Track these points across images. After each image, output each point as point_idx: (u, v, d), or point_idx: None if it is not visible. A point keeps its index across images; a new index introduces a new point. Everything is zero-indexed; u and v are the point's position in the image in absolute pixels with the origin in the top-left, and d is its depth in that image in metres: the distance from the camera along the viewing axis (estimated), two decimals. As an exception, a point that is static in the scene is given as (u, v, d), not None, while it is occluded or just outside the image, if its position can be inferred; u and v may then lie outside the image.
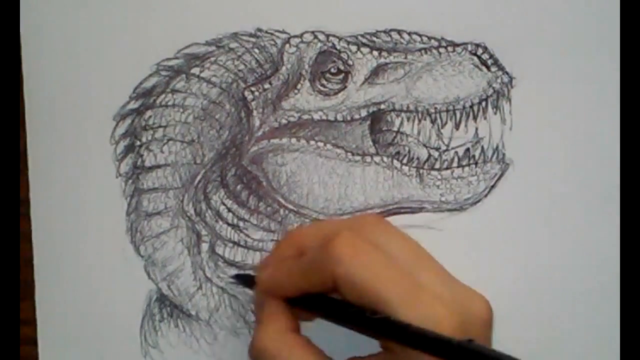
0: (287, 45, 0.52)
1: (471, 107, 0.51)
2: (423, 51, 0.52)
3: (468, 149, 0.52)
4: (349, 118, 0.52)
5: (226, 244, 0.53)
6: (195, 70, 0.52)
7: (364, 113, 0.52)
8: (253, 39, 0.52)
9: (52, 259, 0.53)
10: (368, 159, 0.52)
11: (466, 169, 0.52)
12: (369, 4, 0.52)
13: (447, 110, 0.51)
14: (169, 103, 0.53)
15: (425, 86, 0.52)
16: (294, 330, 0.45)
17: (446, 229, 0.52)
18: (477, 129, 0.52)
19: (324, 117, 0.52)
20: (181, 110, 0.53)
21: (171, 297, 0.53)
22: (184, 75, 0.53)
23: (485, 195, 0.52)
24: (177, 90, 0.53)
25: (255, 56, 0.52)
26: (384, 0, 0.52)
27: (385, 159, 0.52)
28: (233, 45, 0.52)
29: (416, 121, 0.52)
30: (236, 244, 0.53)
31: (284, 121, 0.52)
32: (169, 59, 0.52)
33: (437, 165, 0.52)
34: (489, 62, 0.52)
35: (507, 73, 0.52)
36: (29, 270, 0.53)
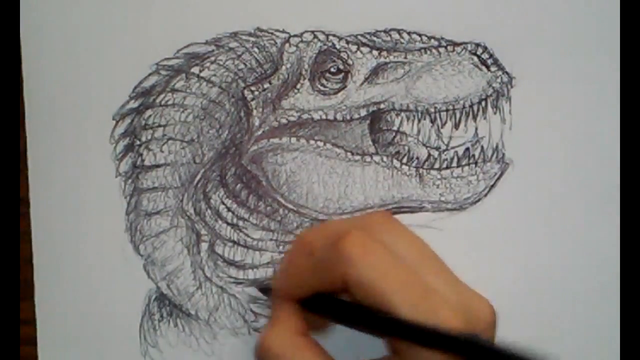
0: (287, 45, 0.52)
1: (471, 106, 0.51)
2: (423, 51, 0.52)
3: (468, 149, 0.52)
4: (348, 117, 0.52)
5: (226, 243, 0.53)
6: (195, 70, 0.52)
7: (363, 112, 0.52)
8: (253, 39, 0.52)
9: (52, 258, 0.53)
10: (368, 158, 0.52)
11: (466, 168, 0.52)
12: (369, 4, 0.52)
13: (447, 110, 0.51)
14: (169, 102, 0.53)
15: (425, 86, 0.52)
16: (302, 334, 0.45)
17: (446, 229, 0.52)
18: (476, 128, 0.52)
19: (324, 117, 0.52)
20: (181, 109, 0.53)
21: (170, 296, 0.53)
22: (183, 75, 0.53)
23: (485, 195, 0.52)
24: (176, 89, 0.53)
25: (255, 56, 0.52)
26: (384, 0, 0.52)
27: (385, 158, 0.52)
28: (233, 44, 0.52)
29: (416, 121, 0.52)
30: (236, 243, 0.53)
31: (283, 120, 0.52)
32: (168, 59, 0.53)
33: (436, 165, 0.52)
34: (489, 61, 0.52)
35: (507, 73, 0.52)
36: (28, 270, 0.53)
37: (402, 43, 0.52)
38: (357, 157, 0.52)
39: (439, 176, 0.52)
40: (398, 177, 0.52)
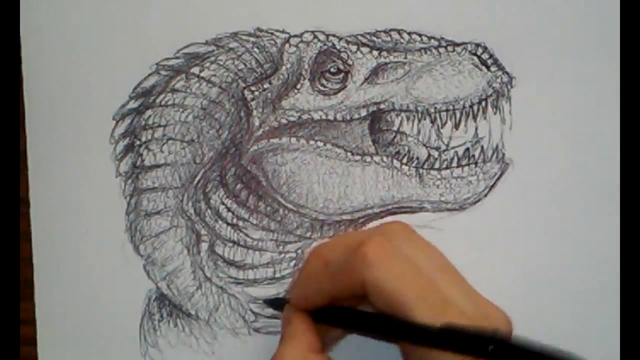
0: (287, 45, 0.52)
1: (471, 106, 0.51)
2: (423, 51, 0.52)
3: (468, 149, 0.52)
4: (348, 118, 0.52)
5: (226, 243, 0.53)
6: (195, 70, 0.52)
7: (363, 113, 0.52)
8: (253, 39, 0.52)
9: (52, 258, 0.53)
10: (368, 158, 0.52)
11: (466, 168, 0.52)
12: (369, 4, 0.52)
13: (447, 110, 0.51)
14: (169, 102, 0.53)
15: (425, 86, 0.52)
16: (317, 349, 0.45)
17: (446, 229, 0.52)
18: (476, 128, 0.52)
19: (324, 117, 0.52)
20: (181, 109, 0.53)
21: (170, 296, 0.53)
22: (183, 75, 0.53)
23: (485, 195, 0.52)
24: (176, 89, 0.53)
25: (255, 56, 0.52)
26: (384, 0, 0.52)
27: (385, 158, 0.52)
28: (233, 44, 0.52)
29: (416, 121, 0.52)
30: (236, 243, 0.53)
31: (283, 121, 0.52)
32: (168, 59, 0.53)
33: (436, 165, 0.52)
34: (489, 62, 0.52)
35: (507, 73, 0.52)
36: (28, 270, 0.53)
37: (402, 43, 0.52)
38: (357, 157, 0.52)
39: (439, 176, 0.52)
40: (398, 177, 0.52)
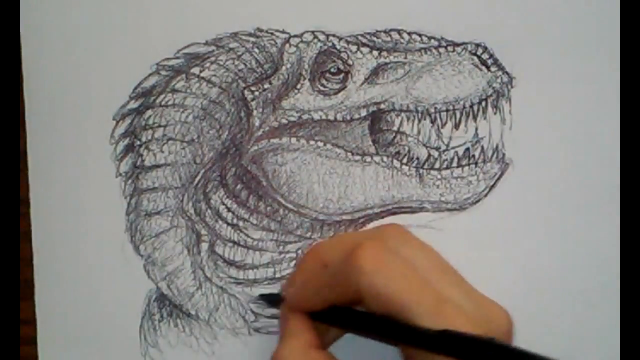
0: (287, 45, 0.52)
1: (471, 107, 0.51)
2: (423, 51, 0.52)
3: (468, 149, 0.52)
4: (348, 118, 0.52)
5: (226, 243, 0.53)
6: (195, 70, 0.52)
7: (363, 113, 0.52)
8: (253, 39, 0.52)
9: (52, 258, 0.53)
10: (368, 158, 0.52)
11: (466, 168, 0.52)
12: (369, 4, 0.52)
13: (447, 110, 0.51)
14: (169, 103, 0.53)
15: (425, 86, 0.52)
16: (317, 346, 0.45)
17: (446, 229, 0.52)
18: (476, 128, 0.52)
19: (324, 117, 0.52)
20: (181, 109, 0.53)
21: (171, 296, 0.53)
22: (183, 75, 0.53)
23: (485, 195, 0.52)
24: (177, 89, 0.53)
25: (255, 56, 0.52)
26: (384, 0, 0.52)
27: (385, 158, 0.52)
28: (233, 45, 0.52)
29: (416, 121, 0.52)
30: (236, 243, 0.53)
31: (283, 121, 0.52)
32: (168, 59, 0.53)
33: (436, 165, 0.52)
34: (489, 62, 0.52)
35: (507, 73, 0.52)
36: (28, 270, 0.53)
37: (402, 43, 0.52)
38: (357, 157, 0.52)
39: (439, 176, 0.52)
40: (398, 177, 0.52)
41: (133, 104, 0.53)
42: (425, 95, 0.52)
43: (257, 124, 0.52)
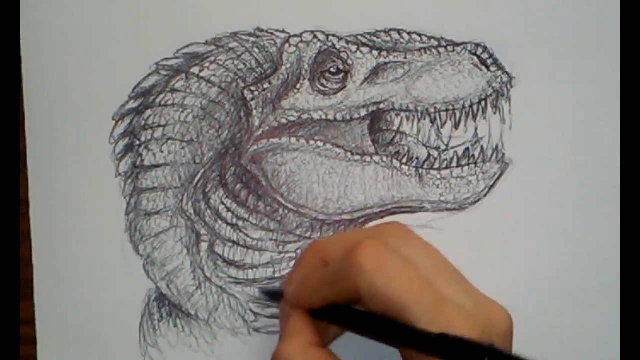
0: (287, 45, 0.52)
1: (471, 106, 0.51)
2: (423, 51, 0.52)
3: (467, 149, 0.52)
4: (348, 117, 0.52)
5: (225, 243, 0.53)
6: (195, 70, 0.52)
7: (363, 113, 0.52)
8: (253, 39, 0.52)
9: (52, 258, 0.53)
10: (367, 158, 0.52)
11: (466, 168, 0.52)
12: (369, 4, 0.52)
13: (447, 110, 0.51)
14: (169, 102, 0.53)
15: (424, 86, 0.52)
16: (317, 345, 0.44)
17: (445, 229, 0.52)
18: (476, 128, 0.52)
19: (324, 117, 0.52)
20: (180, 109, 0.53)
21: (170, 296, 0.53)
22: (183, 75, 0.53)
23: (485, 195, 0.52)
24: (176, 89, 0.53)
25: (255, 56, 0.52)
26: (384, 0, 0.52)
27: (384, 158, 0.52)
28: (233, 44, 0.52)
29: (416, 121, 0.52)
30: (235, 243, 0.53)
31: (283, 121, 0.52)
32: (168, 59, 0.53)
33: (436, 165, 0.52)
34: (489, 61, 0.52)
35: (507, 73, 0.52)
36: (28, 270, 0.53)
37: (402, 43, 0.52)
38: (357, 157, 0.52)
39: (438, 176, 0.52)
40: (398, 177, 0.52)
41: (132, 104, 0.53)
42: (425, 95, 0.52)
43: (256, 123, 0.52)
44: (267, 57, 0.52)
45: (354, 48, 0.52)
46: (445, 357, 0.39)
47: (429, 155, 0.52)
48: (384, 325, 0.41)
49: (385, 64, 0.52)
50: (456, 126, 0.52)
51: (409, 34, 0.52)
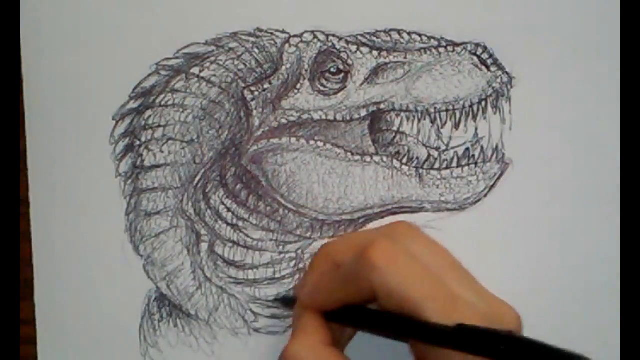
0: (287, 45, 0.52)
1: (471, 106, 0.51)
2: (423, 51, 0.52)
3: (468, 149, 0.52)
4: (348, 118, 0.52)
5: (225, 243, 0.53)
6: (195, 70, 0.52)
7: (363, 113, 0.52)
8: (253, 39, 0.52)
9: (52, 258, 0.53)
10: (368, 158, 0.52)
11: (466, 168, 0.52)
12: (369, 4, 0.52)
13: (447, 110, 0.51)
14: (169, 103, 0.53)
15: (424, 86, 0.52)
16: (329, 344, 0.45)
17: (446, 229, 0.52)
18: (476, 128, 0.52)
19: (324, 117, 0.52)
20: (181, 109, 0.53)
21: (170, 296, 0.53)
22: (183, 75, 0.53)
23: (485, 195, 0.52)
24: (176, 89, 0.53)
25: (255, 56, 0.52)
26: (384, 0, 0.52)
27: (385, 158, 0.52)
28: (233, 45, 0.52)
29: (416, 121, 0.52)
30: (236, 243, 0.53)
31: (283, 121, 0.52)
32: (168, 59, 0.52)
33: (436, 165, 0.52)
34: (489, 62, 0.52)
35: (507, 73, 0.52)
36: (28, 270, 0.53)
37: (402, 43, 0.52)
38: (357, 157, 0.52)
39: (439, 176, 0.52)
40: (398, 177, 0.52)
41: (133, 104, 0.53)
42: (425, 95, 0.52)
43: (257, 124, 0.52)
44: (267, 57, 0.52)
45: (354, 48, 0.52)
46: (463, 349, 0.39)
47: (429, 155, 0.52)
48: (399, 322, 0.42)
49: (385, 64, 0.52)
50: (456, 126, 0.52)
51: (409, 34, 0.52)
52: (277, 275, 0.53)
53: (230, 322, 0.53)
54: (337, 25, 0.52)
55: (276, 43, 0.52)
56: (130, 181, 0.53)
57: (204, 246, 0.53)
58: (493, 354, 0.38)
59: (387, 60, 0.52)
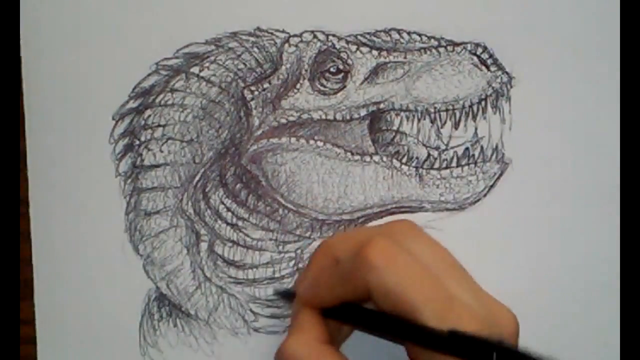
0: (287, 45, 0.52)
1: (470, 106, 0.51)
2: (423, 51, 0.52)
3: (467, 149, 0.52)
4: (348, 117, 0.52)
5: (225, 243, 0.53)
6: (195, 70, 0.53)
7: (363, 112, 0.52)
8: (252, 39, 0.52)
9: (52, 258, 0.53)
10: (367, 158, 0.52)
11: (465, 168, 0.52)
12: (369, 4, 0.52)
13: (447, 110, 0.51)
14: (168, 102, 0.53)
15: (424, 86, 0.52)
16: (326, 342, 0.44)
17: (445, 229, 0.52)
18: (476, 128, 0.52)
19: (324, 117, 0.52)
20: (180, 109, 0.53)
21: (170, 296, 0.53)
22: (183, 75, 0.53)
23: (485, 195, 0.52)
24: (176, 89, 0.53)
25: (255, 55, 0.52)
26: (384, 0, 0.52)
27: (384, 158, 0.52)
28: (232, 44, 0.52)
29: (415, 121, 0.52)
30: (235, 243, 0.53)
31: (283, 120, 0.52)
32: (168, 58, 0.53)
33: (436, 165, 0.52)
34: (489, 61, 0.52)
35: (507, 73, 0.52)
36: (28, 270, 0.53)
37: (402, 43, 0.52)
38: (357, 157, 0.52)
39: (438, 176, 0.52)
40: (398, 177, 0.52)
41: (132, 104, 0.53)
42: (425, 95, 0.52)
43: (256, 123, 0.52)
44: (267, 57, 0.52)
45: (353, 48, 0.52)
46: (456, 354, 0.39)
47: (429, 155, 0.52)
48: (394, 323, 0.41)
49: (385, 64, 0.52)
50: (456, 126, 0.52)
51: (409, 34, 0.52)
52: (277, 275, 0.53)
53: (230, 321, 0.53)
54: (337, 25, 0.52)
55: (276, 43, 0.52)
56: (130, 181, 0.53)
57: (204, 246, 0.53)
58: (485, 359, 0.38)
59: (387, 60, 0.52)
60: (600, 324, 0.52)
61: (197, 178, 0.53)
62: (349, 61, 0.52)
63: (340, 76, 0.52)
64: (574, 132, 0.52)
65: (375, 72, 0.52)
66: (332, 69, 0.52)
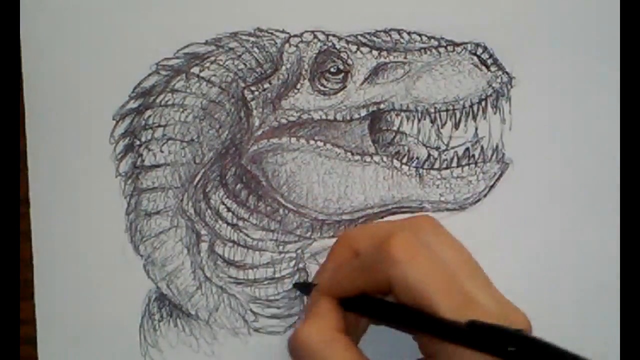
0: (287, 45, 0.52)
1: (471, 106, 0.51)
2: (423, 51, 0.52)
3: (468, 149, 0.52)
4: (348, 117, 0.52)
5: (225, 243, 0.53)
6: (195, 70, 0.52)
7: (363, 112, 0.52)
8: (253, 39, 0.52)
9: (52, 258, 0.53)
10: (368, 158, 0.52)
11: (466, 168, 0.52)
12: (369, 4, 0.52)
13: (447, 110, 0.52)
14: (169, 102, 0.53)
15: (424, 86, 0.52)
16: (340, 330, 0.45)
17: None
18: (476, 128, 0.52)
19: (324, 117, 0.52)
20: (181, 109, 0.53)
21: (170, 296, 0.53)
22: (183, 75, 0.53)
23: (485, 195, 0.52)
24: (176, 89, 0.53)
25: (255, 56, 0.52)
26: (384, 0, 0.52)
27: (384, 158, 0.52)
28: (233, 44, 0.52)
29: (416, 121, 0.52)
30: (236, 243, 0.53)
31: (283, 121, 0.52)
32: (168, 59, 0.53)
33: (436, 165, 0.52)
34: (489, 61, 0.52)
35: (507, 73, 0.52)
36: (28, 270, 0.53)
37: (402, 43, 0.52)
38: (357, 157, 0.52)
39: (439, 176, 0.52)
40: (398, 177, 0.52)
41: (133, 104, 0.53)
42: (425, 95, 0.52)
43: (257, 123, 0.52)
44: (267, 57, 0.52)
45: (354, 48, 0.52)
46: (474, 346, 0.39)
47: (429, 155, 0.52)
48: (413, 315, 0.42)
49: (385, 64, 0.52)
50: (456, 126, 0.52)
51: (409, 34, 0.52)
52: (277, 275, 0.53)
53: (230, 321, 0.53)
54: (337, 25, 0.52)
55: (276, 43, 0.52)
56: (130, 181, 0.53)
57: (204, 246, 0.53)
58: (503, 351, 0.39)
59: (387, 60, 0.52)
60: (600, 324, 0.52)
61: (197, 178, 0.53)
62: (349, 61, 0.52)
63: (340, 76, 0.52)
64: (574, 132, 0.52)
65: (375, 72, 0.52)
66: (332, 69, 0.52)
